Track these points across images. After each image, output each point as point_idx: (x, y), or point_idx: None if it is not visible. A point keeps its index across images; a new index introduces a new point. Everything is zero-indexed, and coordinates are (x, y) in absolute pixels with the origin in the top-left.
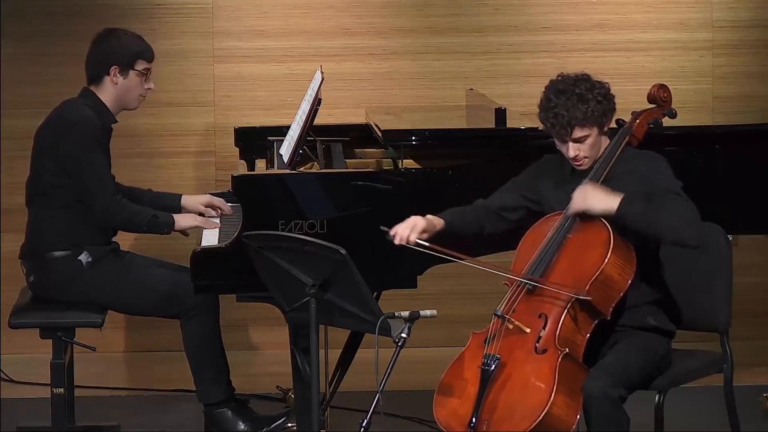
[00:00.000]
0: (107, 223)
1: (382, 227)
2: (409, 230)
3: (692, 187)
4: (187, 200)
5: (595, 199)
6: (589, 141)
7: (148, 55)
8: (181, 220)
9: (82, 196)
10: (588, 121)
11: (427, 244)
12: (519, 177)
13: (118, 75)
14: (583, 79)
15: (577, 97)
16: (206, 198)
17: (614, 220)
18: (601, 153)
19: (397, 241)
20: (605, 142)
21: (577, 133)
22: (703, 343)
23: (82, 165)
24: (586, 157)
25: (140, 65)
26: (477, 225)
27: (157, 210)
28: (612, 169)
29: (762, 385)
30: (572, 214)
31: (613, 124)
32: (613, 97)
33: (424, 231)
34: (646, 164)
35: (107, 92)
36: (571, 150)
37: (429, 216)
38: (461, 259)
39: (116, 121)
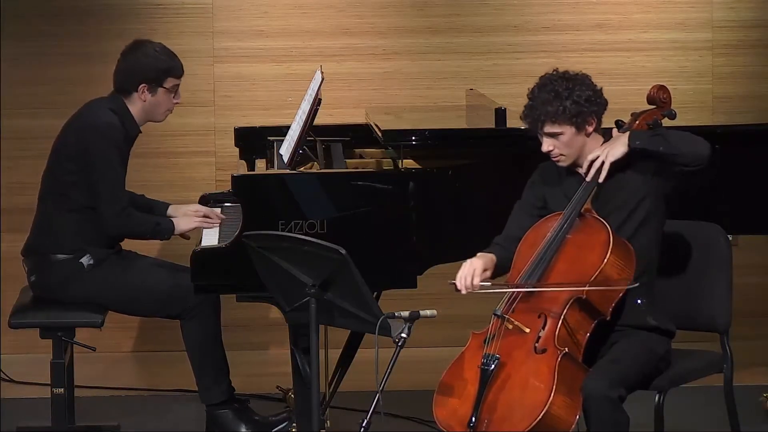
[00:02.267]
0: (113, 234)
1: (450, 282)
2: (471, 276)
3: (692, 187)
4: (173, 210)
5: (612, 150)
6: (563, 139)
7: (178, 72)
8: (181, 224)
9: (94, 203)
10: (559, 118)
11: (489, 284)
12: (523, 197)
13: (146, 92)
14: (570, 78)
15: (554, 94)
16: (194, 207)
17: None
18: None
19: (464, 292)
20: (594, 142)
21: (548, 128)
22: (703, 343)
23: (98, 173)
24: (561, 155)
25: (169, 83)
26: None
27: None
28: (610, 171)
29: (762, 385)
30: (597, 179)
31: (611, 124)
32: (601, 102)
33: (485, 269)
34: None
35: (135, 106)
36: (545, 144)
37: (486, 255)
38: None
39: (140, 131)
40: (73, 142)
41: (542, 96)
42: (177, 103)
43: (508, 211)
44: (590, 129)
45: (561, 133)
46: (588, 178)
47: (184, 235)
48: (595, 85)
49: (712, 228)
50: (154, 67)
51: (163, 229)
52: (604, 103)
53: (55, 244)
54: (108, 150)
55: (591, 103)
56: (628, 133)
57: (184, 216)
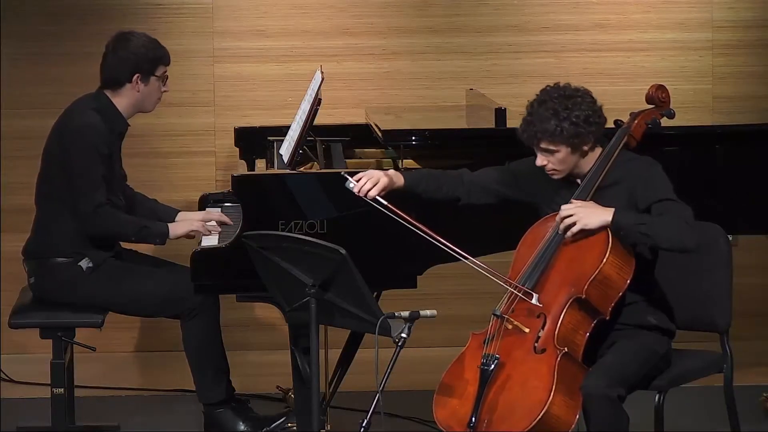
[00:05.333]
0: (89, 233)
1: (343, 173)
2: (372, 185)
3: (692, 187)
4: (181, 217)
5: (588, 219)
6: (558, 156)
7: (167, 60)
8: (177, 228)
9: (72, 200)
10: (555, 138)
11: (384, 202)
12: (516, 163)
13: (140, 82)
14: (570, 96)
15: (552, 112)
16: (203, 214)
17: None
18: (594, 162)
19: (356, 191)
20: (593, 156)
21: (544, 145)
22: (703, 343)
23: (76, 172)
24: (555, 170)
25: (160, 71)
26: (450, 195)
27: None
28: (608, 173)
29: (762, 385)
30: (563, 233)
31: (610, 124)
32: (600, 122)
33: (384, 189)
34: (639, 176)
35: (126, 98)
36: (539, 158)
37: (391, 171)
38: (421, 231)
39: (128, 125)
40: (56, 146)
41: (541, 113)
42: (165, 91)
43: (508, 211)
44: (586, 149)
45: (557, 151)
46: (559, 231)
47: (188, 235)
48: (595, 102)
49: (712, 228)
50: (146, 56)
51: (152, 233)
52: (602, 122)
53: (53, 247)
54: (85, 151)
55: (589, 124)
56: (614, 211)
57: (183, 220)
